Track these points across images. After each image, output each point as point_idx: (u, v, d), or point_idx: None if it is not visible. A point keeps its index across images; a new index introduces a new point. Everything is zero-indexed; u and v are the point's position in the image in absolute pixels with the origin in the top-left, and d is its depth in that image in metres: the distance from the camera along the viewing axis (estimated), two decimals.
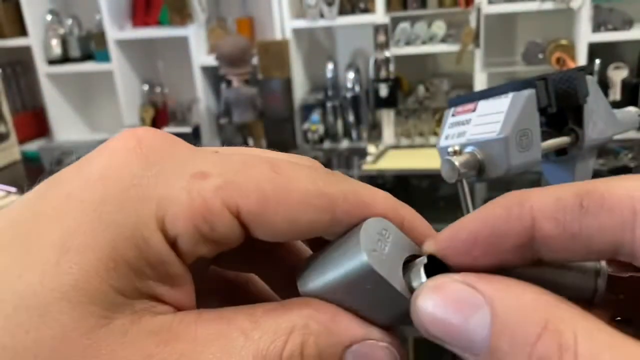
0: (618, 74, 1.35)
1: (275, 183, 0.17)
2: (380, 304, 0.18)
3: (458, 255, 0.18)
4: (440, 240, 0.18)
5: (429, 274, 0.17)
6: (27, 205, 0.17)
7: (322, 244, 0.19)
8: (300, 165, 0.18)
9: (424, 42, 1.41)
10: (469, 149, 0.49)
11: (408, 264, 0.18)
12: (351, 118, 1.49)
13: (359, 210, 0.18)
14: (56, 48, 1.58)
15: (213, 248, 0.17)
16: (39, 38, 1.60)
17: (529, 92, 0.49)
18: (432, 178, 1.21)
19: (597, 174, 1.01)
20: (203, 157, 0.17)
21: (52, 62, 1.61)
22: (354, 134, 1.50)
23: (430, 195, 1.15)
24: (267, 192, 0.17)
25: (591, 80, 0.51)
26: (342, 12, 1.42)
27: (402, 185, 1.23)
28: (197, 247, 0.17)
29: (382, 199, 0.19)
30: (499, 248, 0.17)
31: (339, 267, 0.18)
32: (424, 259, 0.17)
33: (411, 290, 0.17)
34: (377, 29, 1.38)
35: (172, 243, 0.16)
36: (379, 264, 0.17)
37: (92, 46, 1.59)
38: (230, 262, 0.21)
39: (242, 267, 0.22)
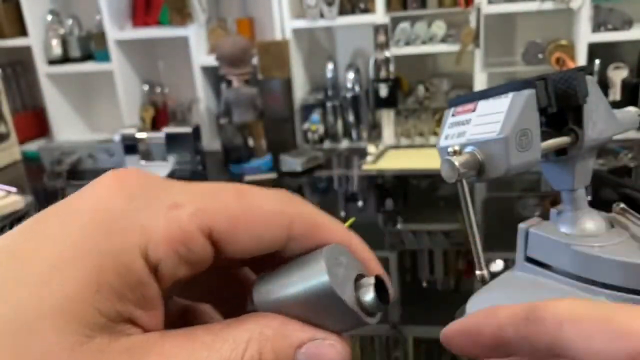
0: (618, 74, 1.35)
1: (241, 205, 0.20)
2: (332, 316, 0.20)
3: (454, 344, 0.24)
4: (446, 332, 0.24)
5: (376, 292, 0.20)
6: (20, 235, 0.19)
7: (273, 266, 0.22)
8: (263, 190, 0.21)
9: (423, 42, 1.41)
10: (468, 149, 0.49)
11: (357, 282, 0.21)
12: (351, 118, 1.49)
13: (313, 230, 0.21)
14: (56, 48, 1.58)
15: (189, 269, 0.19)
16: (39, 38, 1.60)
17: (528, 92, 0.49)
18: (432, 178, 1.22)
19: (596, 174, 1.01)
20: (177, 190, 0.20)
21: (52, 62, 1.61)
22: (354, 134, 1.51)
23: (430, 195, 1.16)
24: (235, 213, 0.20)
25: (591, 81, 0.51)
26: (342, 12, 1.42)
27: (401, 185, 1.24)
28: (177, 270, 0.19)
29: (334, 224, 0.22)
30: (477, 341, 0.23)
31: (300, 284, 0.20)
32: (372, 279, 0.21)
33: (360, 305, 0.20)
34: (377, 29, 1.38)
35: (154, 268, 0.19)
36: (337, 285, 0.20)
37: (92, 46, 1.59)
38: (191, 293, 0.24)
39: (200, 297, 0.25)
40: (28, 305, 0.17)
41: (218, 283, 0.24)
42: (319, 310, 0.20)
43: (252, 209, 0.20)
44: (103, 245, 0.18)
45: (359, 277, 0.21)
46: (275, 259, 0.21)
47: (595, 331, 0.19)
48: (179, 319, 0.24)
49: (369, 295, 0.20)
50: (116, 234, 0.18)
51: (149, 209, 0.19)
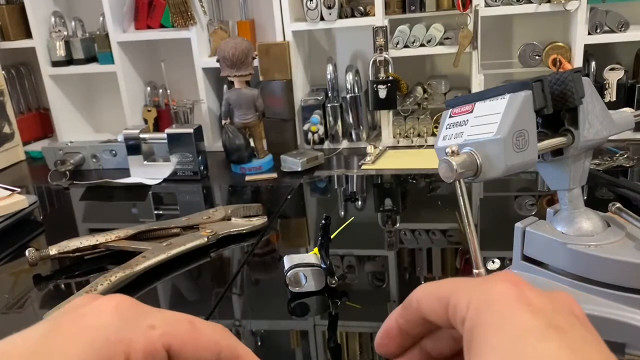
0: (614, 75, 1.36)
1: (190, 333, 0.30)
2: None
3: (383, 349, 0.34)
4: (375, 341, 0.34)
5: None
6: (41, 338, 0.27)
7: None
8: (207, 323, 0.31)
9: (422, 44, 1.42)
10: (466, 149, 0.50)
11: None
12: (350, 119, 1.50)
13: (234, 358, 0.31)
14: (60, 50, 1.59)
15: None
16: (43, 40, 1.60)
17: (525, 94, 0.50)
18: (430, 178, 1.23)
19: (592, 174, 1.02)
20: (153, 316, 0.30)
21: (56, 63, 1.62)
22: (353, 135, 1.51)
23: (428, 195, 1.17)
24: (186, 338, 0.30)
25: (587, 82, 0.53)
26: (342, 16, 1.43)
27: (400, 184, 1.25)
28: None
29: (251, 356, 0.32)
30: (392, 337, 0.33)
31: None
32: None
33: None
34: (376, 31, 1.39)
35: None
36: None
37: (95, 48, 1.60)
38: None
39: None
40: None
41: None
42: None
43: (197, 336, 0.30)
44: (103, 351, 0.27)
45: None
46: None
47: (432, 300, 0.30)
48: None
49: None
50: (111, 343, 0.27)
51: (134, 328, 0.29)
